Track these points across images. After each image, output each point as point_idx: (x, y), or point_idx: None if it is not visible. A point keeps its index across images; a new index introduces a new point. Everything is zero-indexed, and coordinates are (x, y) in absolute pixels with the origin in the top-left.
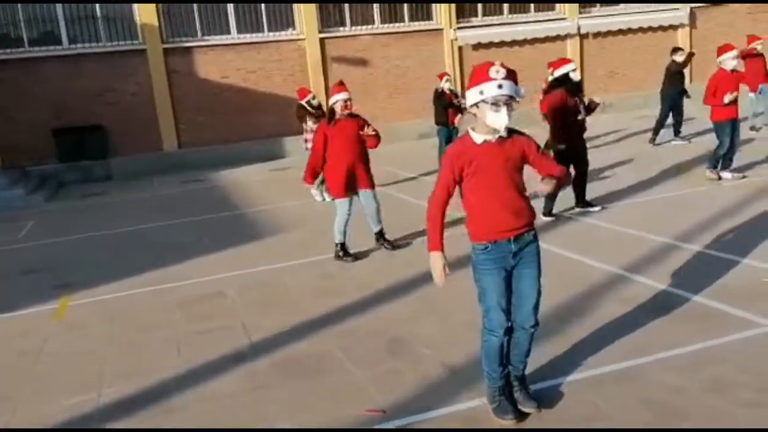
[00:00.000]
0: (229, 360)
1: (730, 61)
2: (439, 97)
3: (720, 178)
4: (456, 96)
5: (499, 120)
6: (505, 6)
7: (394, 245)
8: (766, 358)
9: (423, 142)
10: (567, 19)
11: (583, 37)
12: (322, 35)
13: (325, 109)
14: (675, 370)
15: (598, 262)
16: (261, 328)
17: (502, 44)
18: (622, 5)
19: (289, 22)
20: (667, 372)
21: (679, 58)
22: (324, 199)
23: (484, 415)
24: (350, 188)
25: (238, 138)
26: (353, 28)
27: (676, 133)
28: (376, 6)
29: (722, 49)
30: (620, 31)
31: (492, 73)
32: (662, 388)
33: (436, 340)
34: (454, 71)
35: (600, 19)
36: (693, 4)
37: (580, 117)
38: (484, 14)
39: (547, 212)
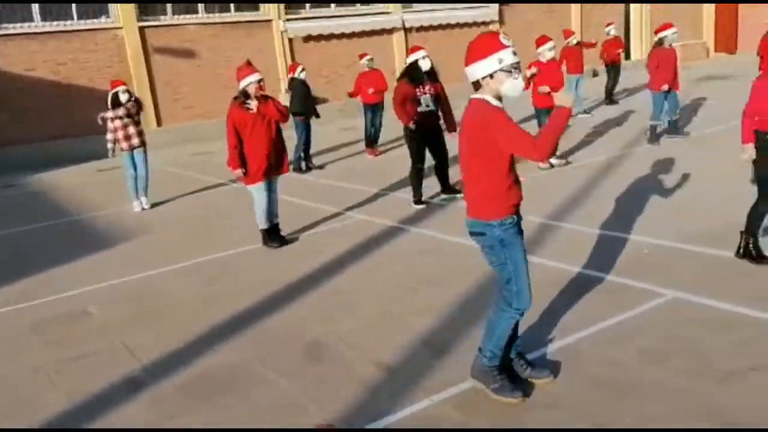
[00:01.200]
0: (121, 387)
1: (547, 52)
2: (298, 87)
3: (552, 165)
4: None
5: (517, 86)
6: None
7: (289, 240)
8: (681, 325)
9: None
10: (392, 13)
11: (407, 31)
12: (142, 24)
13: (142, 103)
14: (607, 344)
15: None
16: (148, 346)
17: (331, 37)
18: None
19: (102, 10)
20: (599, 347)
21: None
22: (143, 209)
23: (449, 412)
24: (268, 172)
25: (52, 136)
26: (176, 16)
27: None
28: None
29: (540, 41)
30: (440, 26)
31: (504, 40)
32: (601, 363)
33: (358, 339)
34: (286, 64)
35: (421, 14)
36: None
37: (424, 107)
38: (312, 6)
39: (418, 200)
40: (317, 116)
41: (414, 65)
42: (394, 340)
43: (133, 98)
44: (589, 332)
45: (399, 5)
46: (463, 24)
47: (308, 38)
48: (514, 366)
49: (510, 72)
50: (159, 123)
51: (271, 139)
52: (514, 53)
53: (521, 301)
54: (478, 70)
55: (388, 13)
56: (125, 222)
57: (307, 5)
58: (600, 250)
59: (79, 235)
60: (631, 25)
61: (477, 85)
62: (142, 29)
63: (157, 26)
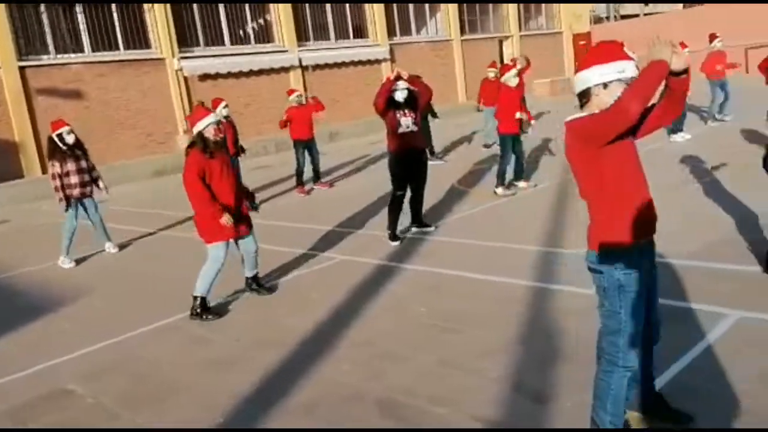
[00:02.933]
0: None
1: (513, 78)
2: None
3: (509, 190)
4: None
5: None
6: (226, 35)
7: (270, 288)
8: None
9: (162, 180)
10: (288, 51)
11: (304, 69)
12: (22, 63)
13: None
14: (716, 373)
15: (482, 274)
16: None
17: (228, 75)
18: (333, 40)
19: None
20: (708, 377)
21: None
22: (112, 252)
23: None
24: (231, 229)
25: None
26: (59, 55)
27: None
28: (83, 31)
29: (503, 69)
30: (336, 65)
31: (629, 52)
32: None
33: (432, 391)
34: (182, 103)
35: (317, 52)
36: (392, 41)
37: (404, 129)
38: (206, 44)
39: (394, 235)
40: (243, 152)
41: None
42: (475, 389)
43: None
44: (685, 362)
45: (294, 42)
46: (357, 62)
47: (204, 77)
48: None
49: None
50: (44, 170)
51: (234, 190)
52: (637, 68)
53: (628, 357)
54: (594, 75)
55: (284, 51)
56: (58, 280)
57: (201, 43)
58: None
59: (7, 301)
60: (506, 60)
61: (585, 96)
62: (22, 69)
63: (38, 65)
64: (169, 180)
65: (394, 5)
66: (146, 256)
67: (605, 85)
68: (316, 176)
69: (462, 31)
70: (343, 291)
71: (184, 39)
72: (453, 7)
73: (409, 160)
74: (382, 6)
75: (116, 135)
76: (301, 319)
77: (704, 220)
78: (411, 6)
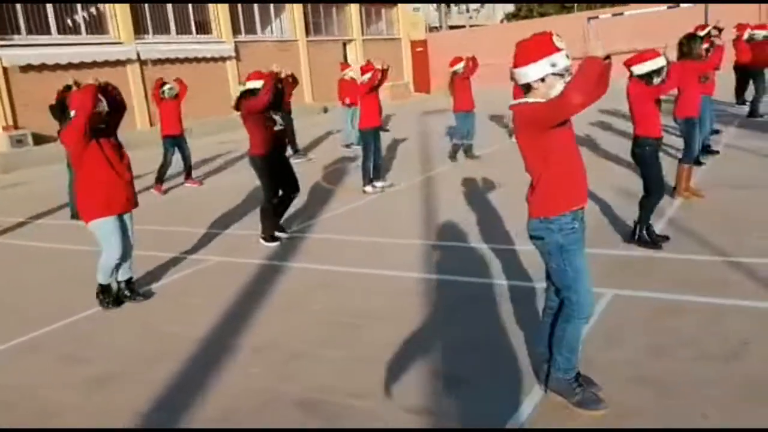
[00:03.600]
0: None
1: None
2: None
3: (376, 187)
4: None
5: None
6: (52, 24)
7: (145, 294)
8: None
9: None
10: (124, 44)
11: (143, 63)
12: None
13: None
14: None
15: (369, 269)
16: None
17: (56, 67)
18: (173, 34)
19: None
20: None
21: None
22: None
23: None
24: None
25: None
26: None
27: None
28: None
29: (365, 69)
30: (177, 60)
31: (558, 42)
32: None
33: (356, 386)
34: (0, 96)
35: (157, 46)
36: (237, 39)
37: (279, 126)
38: (29, 32)
39: (271, 236)
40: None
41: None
42: (394, 380)
43: None
44: None
45: (131, 35)
46: (201, 58)
47: (27, 68)
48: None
49: (562, 76)
50: None
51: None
52: (567, 56)
53: (584, 307)
54: (530, 72)
55: (119, 43)
56: None
57: (23, 30)
58: (483, 258)
59: None
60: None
61: (527, 88)
62: None
63: None
64: None
65: (239, 4)
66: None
67: (542, 80)
68: (188, 173)
69: (307, 32)
70: (227, 293)
71: (2, 25)
72: (298, 9)
73: (279, 162)
74: (226, 4)
75: None
76: (186, 327)
77: None
78: (255, 5)
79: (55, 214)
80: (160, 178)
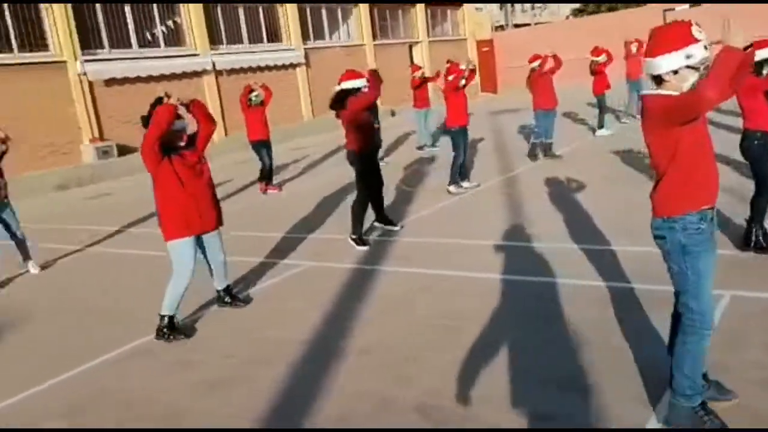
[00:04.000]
0: None
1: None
2: None
3: (462, 187)
4: None
5: None
6: (133, 38)
7: (246, 300)
8: None
9: (67, 194)
10: (200, 55)
11: (218, 73)
12: None
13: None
14: None
15: (466, 271)
16: None
17: (138, 80)
18: (246, 44)
19: None
20: None
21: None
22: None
23: None
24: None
25: None
26: None
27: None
28: None
29: (451, 69)
30: (250, 69)
31: (697, 33)
32: None
33: (471, 391)
34: (87, 110)
35: (229, 56)
36: (306, 45)
37: (377, 124)
38: (112, 46)
39: (360, 239)
40: None
41: (353, 90)
42: (506, 386)
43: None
44: None
45: (207, 46)
46: (272, 66)
47: (111, 81)
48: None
49: (697, 69)
50: None
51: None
52: (706, 47)
53: (706, 318)
54: (663, 63)
55: (196, 54)
56: None
57: (106, 45)
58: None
59: None
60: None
61: (659, 80)
62: None
63: None
64: (73, 194)
65: (307, 8)
66: (81, 274)
67: (675, 72)
68: (269, 178)
69: (374, 36)
70: (326, 297)
71: (86, 41)
72: (365, 12)
73: (373, 158)
74: (295, 9)
75: (12, 147)
76: (290, 331)
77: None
78: (324, 9)
79: (146, 222)
80: (267, 177)
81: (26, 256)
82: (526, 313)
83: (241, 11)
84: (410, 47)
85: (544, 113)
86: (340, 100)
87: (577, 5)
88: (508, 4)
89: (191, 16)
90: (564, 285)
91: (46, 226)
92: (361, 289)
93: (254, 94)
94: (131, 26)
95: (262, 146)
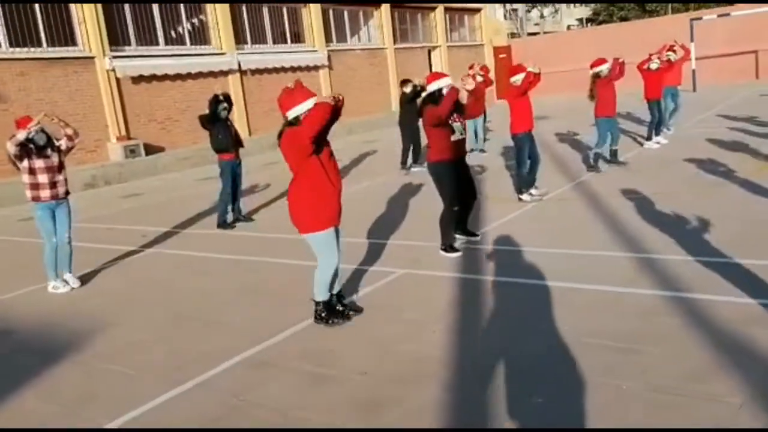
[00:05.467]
0: None
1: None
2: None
3: (534, 195)
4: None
5: None
6: (160, 35)
7: (355, 308)
8: None
9: (95, 194)
10: (226, 54)
11: (243, 73)
12: None
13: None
14: None
15: (588, 284)
16: None
17: (165, 78)
18: (270, 44)
19: None
20: None
21: (407, 89)
22: (72, 288)
23: None
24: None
25: None
26: None
27: (416, 159)
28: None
29: (513, 71)
30: (274, 69)
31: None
32: None
33: (672, 421)
34: (114, 107)
35: (256, 56)
36: (329, 47)
37: (458, 135)
38: (138, 43)
39: (451, 246)
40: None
41: (440, 93)
42: (708, 417)
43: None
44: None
45: (232, 45)
46: (296, 68)
47: (139, 78)
48: None
49: None
50: None
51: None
52: None
53: None
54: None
55: (222, 53)
56: (60, 310)
57: (133, 42)
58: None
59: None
60: (433, 68)
61: None
62: None
63: None
64: (104, 193)
65: (330, 10)
66: (150, 278)
67: None
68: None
69: (394, 40)
70: (441, 308)
71: (115, 37)
72: (386, 15)
73: (458, 169)
74: (319, 11)
75: None
76: (422, 346)
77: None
78: (346, 12)
79: (200, 223)
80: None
81: (65, 265)
82: (709, 334)
83: (265, 11)
84: (429, 52)
85: (605, 120)
86: (422, 108)
87: (582, 16)
88: (520, 13)
89: (217, 15)
90: (699, 301)
91: (90, 226)
92: (475, 300)
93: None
94: (158, 23)
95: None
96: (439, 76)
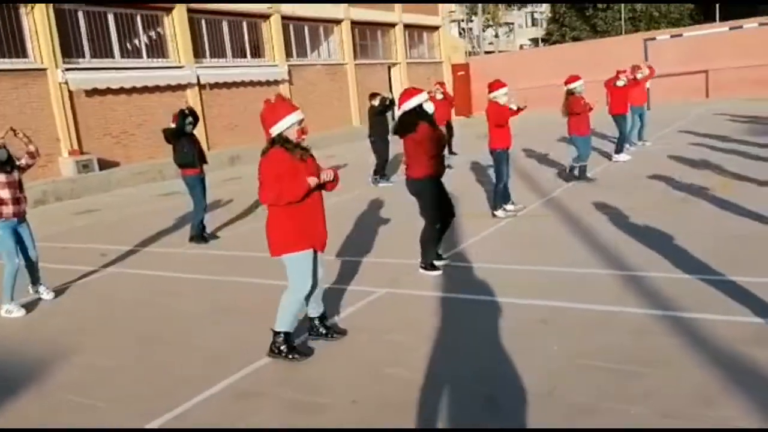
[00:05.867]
0: None
1: (502, 96)
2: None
3: (508, 211)
4: None
5: None
6: (115, 47)
7: (339, 330)
8: None
9: (46, 210)
10: (184, 67)
11: (201, 87)
12: None
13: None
14: None
15: (572, 302)
16: None
17: (120, 91)
18: (229, 58)
19: None
20: None
21: (375, 102)
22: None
23: None
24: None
25: None
26: None
27: (381, 174)
28: None
29: (494, 86)
30: (234, 83)
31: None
32: None
33: None
34: (66, 120)
35: (213, 70)
36: (290, 62)
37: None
38: (93, 55)
39: (432, 264)
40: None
41: (419, 110)
42: None
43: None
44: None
45: (191, 59)
46: (256, 82)
47: (93, 92)
48: None
49: None
50: None
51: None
52: None
53: None
54: None
55: (181, 67)
56: (14, 335)
57: (87, 54)
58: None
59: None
60: (393, 84)
61: None
62: None
63: None
64: (56, 210)
65: (290, 25)
66: (114, 299)
67: None
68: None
69: (355, 55)
70: (425, 330)
71: (68, 49)
72: (347, 31)
73: (440, 184)
74: (279, 25)
75: None
76: (410, 370)
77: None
78: (306, 27)
79: (161, 241)
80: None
81: (36, 280)
82: (707, 354)
83: (225, 24)
84: (389, 68)
85: (584, 138)
86: (408, 123)
87: (536, 36)
88: (475, 31)
89: (176, 28)
90: (700, 321)
91: (46, 245)
92: (461, 320)
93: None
94: (114, 35)
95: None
96: (414, 92)
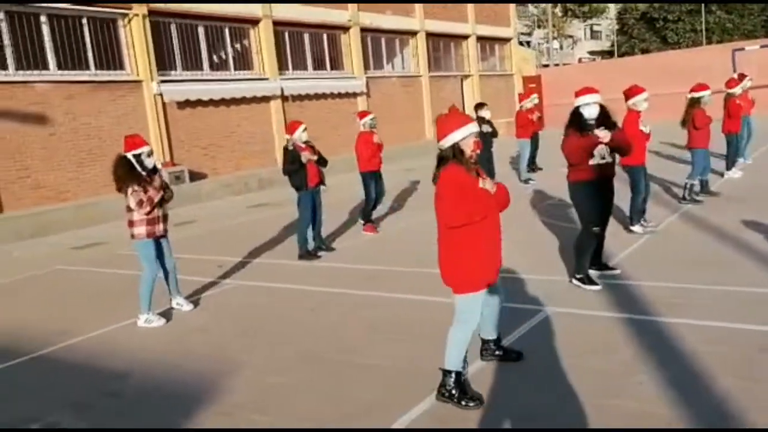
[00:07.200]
0: None
1: (642, 102)
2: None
3: (646, 227)
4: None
5: None
6: (205, 60)
7: (519, 354)
8: None
9: None
10: (269, 79)
11: (284, 99)
12: None
13: (164, 173)
14: None
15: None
16: None
17: (209, 103)
18: (311, 70)
19: None
20: None
21: (485, 113)
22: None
23: None
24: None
25: None
26: (20, 72)
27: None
28: (48, 46)
29: (632, 92)
30: (315, 95)
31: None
32: None
33: None
34: (160, 131)
35: (298, 82)
36: (367, 74)
37: (598, 160)
38: (184, 68)
39: (588, 276)
40: (323, 183)
41: (576, 112)
42: None
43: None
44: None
45: (275, 71)
46: (336, 94)
47: (184, 104)
48: None
49: None
50: (0, 208)
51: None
52: None
53: None
54: None
55: (266, 79)
56: (155, 350)
57: (179, 66)
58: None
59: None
60: (465, 97)
61: None
62: None
63: None
64: None
65: (368, 37)
66: (255, 313)
67: None
68: (369, 215)
69: (429, 68)
70: (625, 355)
71: (162, 61)
72: (422, 43)
73: (601, 189)
74: (358, 37)
75: (85, 168)
76: (637, 401)
77: None
78: (383, 39)
79: (271, 252)
80: (370, 218)
81: (176, 291)
82: None
83: (306, 37)
84: (462, 80)
85: (704, 152)
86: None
87: (594, 48)
88: (533, 43)
89: (261, 40)
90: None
91: None
92: (659, 344)
93: (370, 117)
94: (203, 47)
95: (373, 176)
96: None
